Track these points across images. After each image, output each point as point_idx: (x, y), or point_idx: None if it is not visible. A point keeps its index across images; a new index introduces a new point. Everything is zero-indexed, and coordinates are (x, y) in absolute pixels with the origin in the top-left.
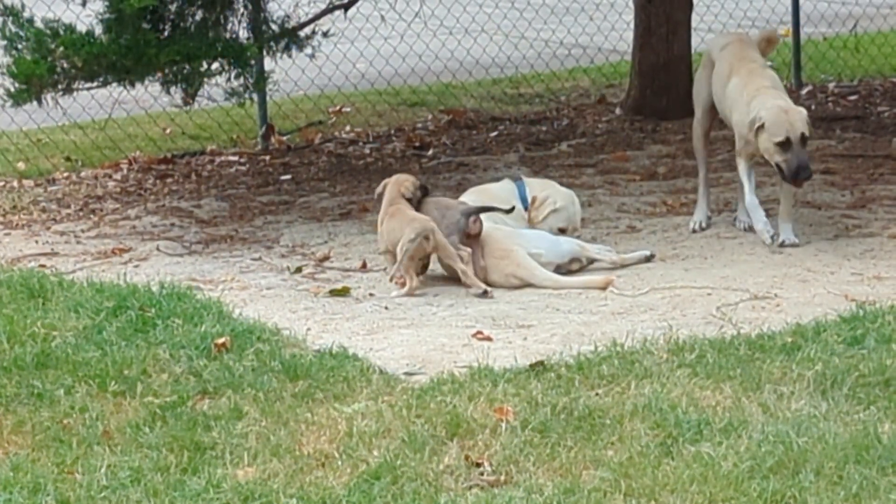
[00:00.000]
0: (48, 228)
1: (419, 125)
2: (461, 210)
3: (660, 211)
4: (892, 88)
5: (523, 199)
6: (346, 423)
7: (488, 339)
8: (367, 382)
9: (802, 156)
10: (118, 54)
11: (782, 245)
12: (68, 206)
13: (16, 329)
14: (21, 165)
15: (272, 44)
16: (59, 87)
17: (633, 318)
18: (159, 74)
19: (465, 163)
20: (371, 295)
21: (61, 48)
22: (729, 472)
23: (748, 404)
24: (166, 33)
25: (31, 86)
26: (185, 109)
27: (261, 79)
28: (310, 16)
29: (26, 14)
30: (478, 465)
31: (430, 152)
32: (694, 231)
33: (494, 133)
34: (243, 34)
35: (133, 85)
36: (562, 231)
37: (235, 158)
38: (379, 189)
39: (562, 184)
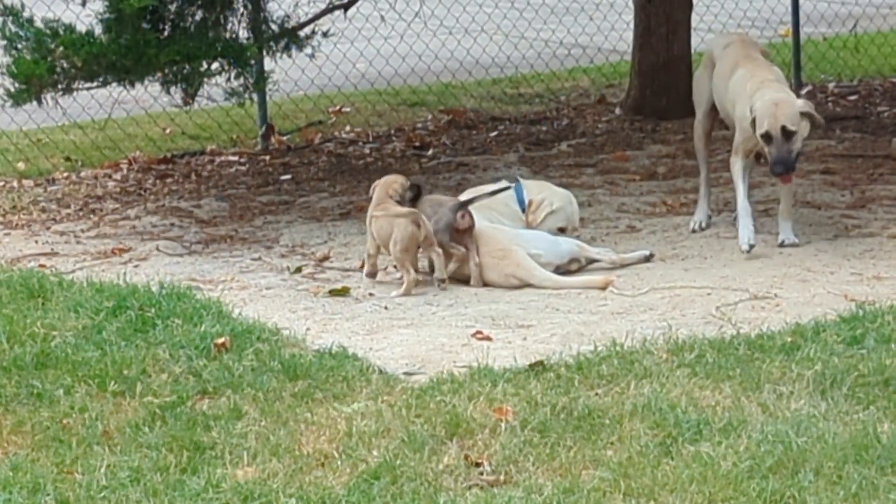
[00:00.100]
0: (48, 228)
1: (419, 125)
2: (450, 206)
3: (659, 211)
4: (891, 88)
5: (520, 201)
6: (346, 422)
7: (488, 338)
8: (367, 382)
9: (782, 150)
10: (118, 54)
11: (782, 245)
12: (68, 206)
13: (15, 329)
14: (21, 165)
15: (272, 44)
16: (59, 86)
17: (633, 318)
18: (159, 74)
19: (464, 163)
20: (371, 295)
21: (61, 48)
22: (728, 472)
23: (748, 404)
24: (166, 33)
25: (30, 86)
26: (185, 109)
27: (261, 79)
28: (309, 16)
29: (26, 14)
30: (477, 464)
31: (430, 152)
32: (694, 231)
33: (494, 133)
34: (243, 34)
35: (133, 85)
36: (561, 230)
37: (235, 158)
38: (370, 192)
39: (562, 184)
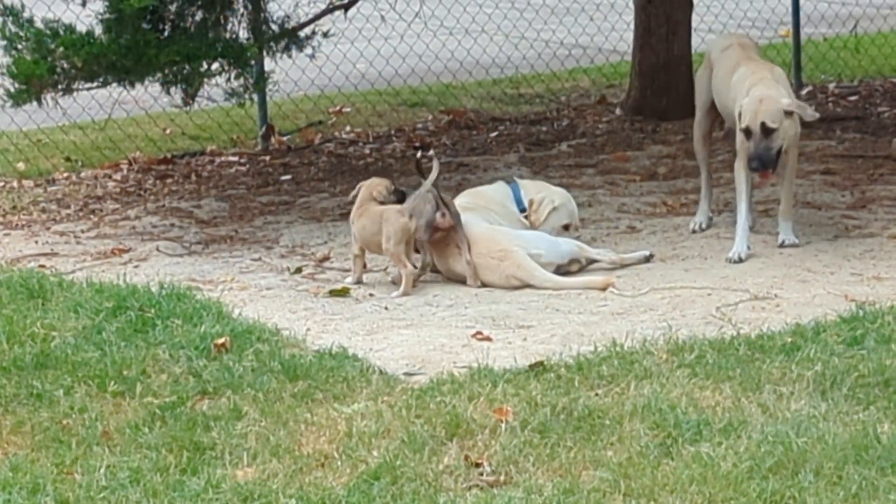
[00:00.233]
0: (48, 229)
1: (419, 125)
2: (432, 203)
3: (660, 211)
4: (892, 89)
5: (518, 201)
6: (346, 423)
7: (488, 339)
8: (367, 383)
9: (760, 146)
10: (118, 54)
11: (782, 245)
12: (68, 207)
13: (15, 329)
14: (21, 166)
15: (272, 44)
16: (59, 87)
17: (633, 319)
18: (159, 75)
19: (465, 163)
20: (371, 295)
21: (61, 48)
22: (728, 473)
23: (748, 404)
24: (166, 33)
25: (30, 86)
26: (185, 110)
27: (261, 79)
28: (310, 16)
29: (26, 14)
30: (477, 465)
31: (431, 152)
32: (694, 232)
33: (495, 133)
34: (243, 34)
35: (133, 85)
36: (566, 228)
37: (235, 159)
38: (354, 192)
39: (562, 184)
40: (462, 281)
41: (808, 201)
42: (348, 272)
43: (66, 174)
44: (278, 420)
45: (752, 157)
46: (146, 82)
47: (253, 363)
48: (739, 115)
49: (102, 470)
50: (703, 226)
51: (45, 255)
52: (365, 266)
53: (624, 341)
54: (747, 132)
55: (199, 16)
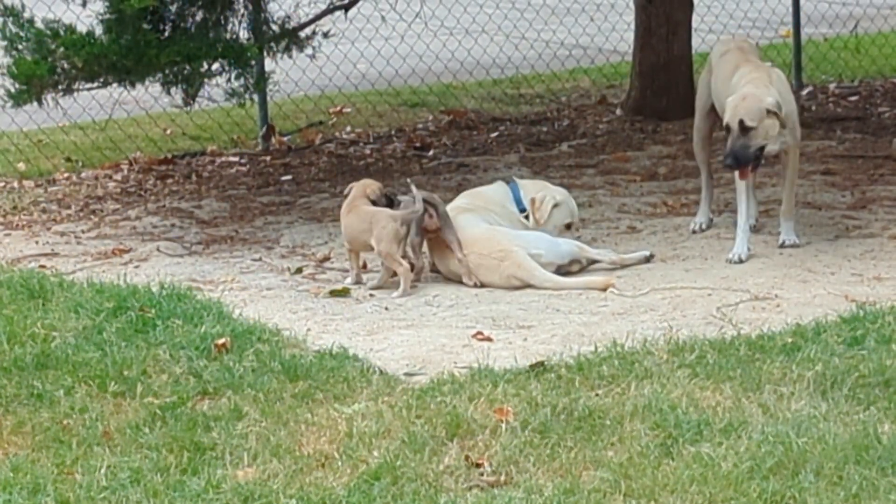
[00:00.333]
0: (48, 229)
1: (420, 126)
2: (418, 207)
3: (660, 211)
4: (892, 89)
5: (517, 201)
6: (347, 423)
7: (488, 339)
8: (368, 383)
9: (736, 143)
10: (118, 55)
11: (783, 245)
12: (69, 207)
13: (16, 329)
14: (21, 166)
15: (273, 44)
16: (60, 87)
17: (634, 319)
18: (160, 75)
19: (465, 163)
20: (371, 295)
21: (62, 49)
22: (729, 473)
23: (748, 405)
24: (167, 34)
25: (31, 86)
26: (186, 110)
27: (261, 79)
28: (310, 16)
29: (26, 14)
30: (478, 465)
31: (431, 153)
32: (694, 232)
33: (495, 134)
34: (244, 35)
35: (133, 85)
36: (567, 228)
37: (236, 159)
38: (345, 192)
39: (562, 184)
40: (461, 281)
41: (809, 201)
42: (348, 272)
43: (66, 174)
44: (279, 420)
45: (727, 153)
46: (147, 82)
47: (253, 363)
48: (724, 112)
49: (103, 470)
50: (704, 226)
51: (45, 255)
52: (365, 266)
53: (624, 341)
54: (727, 128)
55: (199, 16)
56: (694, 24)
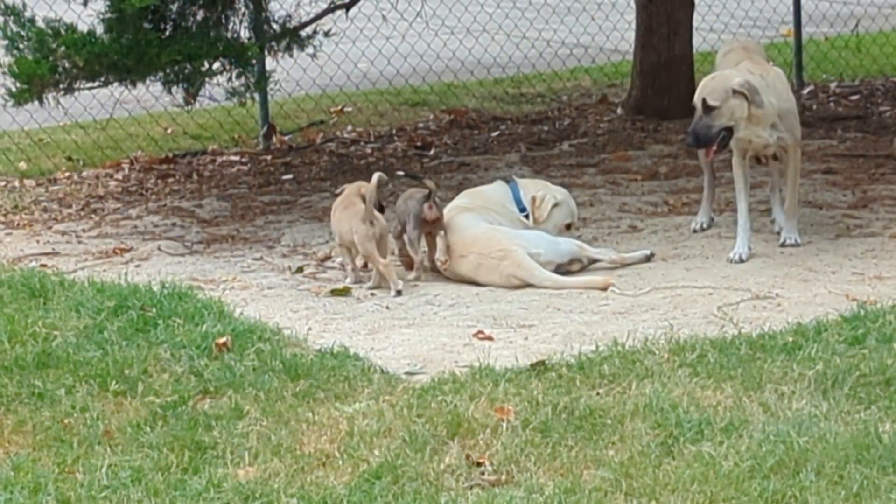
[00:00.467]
0: (49, 228)
1: (421, 125)
2: (417, 198)
3: (661, 211)
4: (893, 88)
5: (517, 201)
6: (347, 422)
7: (489, 338)
8: (368, 382)
9: (699, 123)
10: (119, 54)
11: (783, 245)
12: (69, 206)
13: (17, 329)
14: (22, 165)
15: (273, 43)
16: (61, 86)
17: (635, 318)
18: (161, 74)
19: (466, 163)
20: (372, 294)
21: (63, 48)
22: (730, 472)
23: (749, 404)
24: (168, 33)
25: (32, 85)
26: (187, 109)
27: (262, 78)
28: (311, 15)
29: (28, 14)
30: (479, 464)
31: (432, 152)
32: (695, 231)
33: (496, 133)
34: (245, 34)
35: (134, 84)
36: (568, 227)
37: (237, 158)
38: (337, 190)
39: (563, 184)
40: (464, 282)
41: (810, 200)
42: (348, 272)
43: (67, 173)
44: (280, 419)
45: (689, 131)
46: (148, 82)
47: (254, 362)
48: None
49: (104, 469)
50: (705, 225)
51: (46, 254)
52: (365, 265)
53: (625, 340)
54: (693, 108)
55: (200, 15)
56: (695, 24)
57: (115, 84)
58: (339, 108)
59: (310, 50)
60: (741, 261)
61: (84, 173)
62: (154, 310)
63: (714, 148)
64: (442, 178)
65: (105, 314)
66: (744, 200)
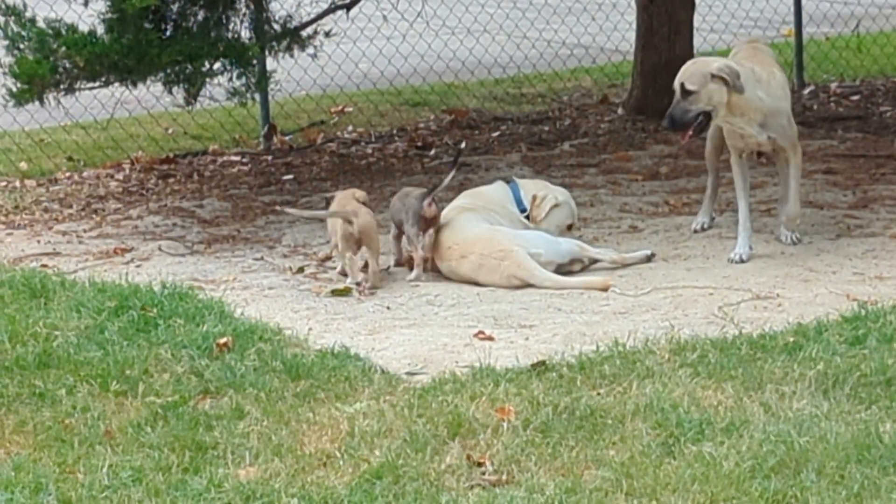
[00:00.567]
0: (50, 228)
1: (421, 125)
2: (416, 195)
3: (662, 211)
4: (894, 88)
5: (518, 201)
6: (348, 422)
7: (490, 338)
8: (369, 382)
9: (677, 106)
10: (120, 54)
11: (784, 244)
12: (70, 206)
13: (18, 329)
14: (23, 165)
15: (274, 44)
16: (62, 86)
17: (635, 318)
18: (161, 74)
19: (467, 163)
20: (372, 295)
21: (63, 48)
22: (730, 472)
23: (750, 404)
24: (168, 33)
25: (33, 86)
26: (188, 109)
27: (263, 79)
28: (312, 16)
29: (28, 14)
30: (479, 464)
31: (433, 152)
32: (696, 231)
33: (497, 133)
34: (245, 34)
35: (135, 85)
36: (569, 228)
37: (237, 158)
38: (328, 196)
39: (564, 184)
40: (464, 282)
41: (810, 200)
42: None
43: (68, 174)
44: (280, 419)
45: (666, 114)
46: (148, 82)
47: (255, 363)
48: None
49: (105, 469)
50: (706, 225)
51: (47, 254)
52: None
53: (626, 341)
54: (673, 92)
55: (201, 15)
56: (696, 24)
57: (116, 84)
58: (340, 108)
59: (310, 50)
60: (742, 261)
61: (85, 173)
62: (155, 310)
63: (690, 133)
64: (442, 178)
65: (106, 314)
66: (744, 200)
